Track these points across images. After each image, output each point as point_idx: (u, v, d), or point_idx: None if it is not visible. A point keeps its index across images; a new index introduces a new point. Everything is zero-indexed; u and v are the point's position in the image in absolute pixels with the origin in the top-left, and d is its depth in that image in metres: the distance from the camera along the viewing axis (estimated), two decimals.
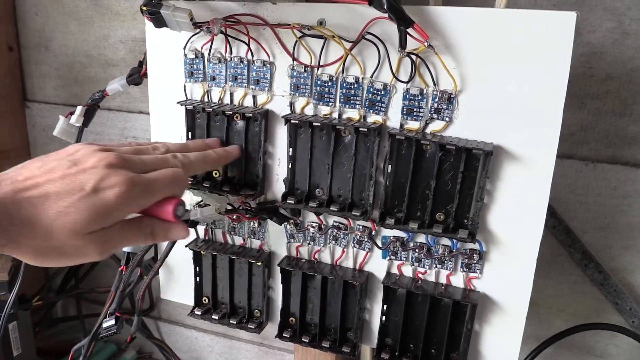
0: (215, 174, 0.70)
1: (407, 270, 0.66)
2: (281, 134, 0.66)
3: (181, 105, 0.68)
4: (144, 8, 0.63)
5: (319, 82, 0.63)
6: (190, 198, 0.74)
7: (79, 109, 0.79)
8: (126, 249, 0.77)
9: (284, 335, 0.71)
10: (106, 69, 1.00)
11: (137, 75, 0.78)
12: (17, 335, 0.93)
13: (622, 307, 0.78)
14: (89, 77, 1.02)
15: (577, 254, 0.78)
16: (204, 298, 0.77)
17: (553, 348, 0.80)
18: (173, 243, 0.72)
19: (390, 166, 0.61)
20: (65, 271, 1.08)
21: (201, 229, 0.75)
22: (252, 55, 0.65)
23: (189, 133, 0.70)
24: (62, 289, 1.08)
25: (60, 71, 1.05)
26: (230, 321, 0.74)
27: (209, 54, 0.68)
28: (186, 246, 0.74)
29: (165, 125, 0.73)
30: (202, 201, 0.73)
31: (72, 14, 1.00)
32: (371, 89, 0.61)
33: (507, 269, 0.62)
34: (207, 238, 0.75)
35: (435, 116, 0.60)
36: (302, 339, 0.71)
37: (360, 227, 0.66)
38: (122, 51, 0.98)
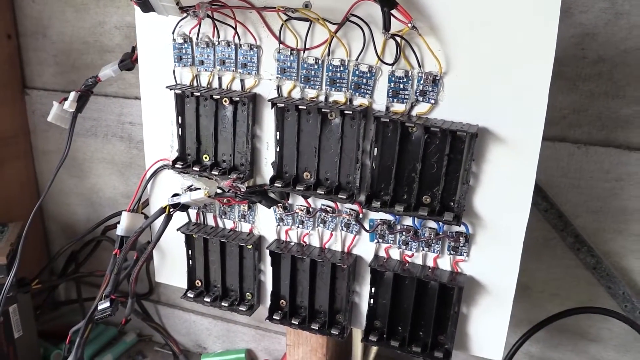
0: (206, 157, 0.71)
1: (395, 253, 0.66)
2: (269, 117, 0.66)
3: (170, 89, 0.69)
4: None
5: (305, 65, 0.63)
6: (181, 182, 0.75)
7: (72, 95, 0.79)
8: (119, 232, 0.78)
9: (274, 317, 0.72)
10: (102, 55, 1.00)
11: (129, 61, 0.78)
12: (17, 317, 0.95)
13: (614, 291, 0.78)
14: (86, 64, 1.03)
15: (569, 238, 0.77)
16: (197, 281, 0.77)
17: (546, 331, 0.80)
18: (165, 226, 0.73)
19: (376, 149, 0.61)
20: (67, 255, 1.10)
21: (193, 212, 0.76)
22: (239, 39, 0.65)
23: (179, 117, 0.70)
24: (63, 272, 1.10)
25: (58, 58, 1.05)
26: (222, 304, 0.75)
27: (197, 38, 0.68)
28: (178, 229, 0.74)
29: (156, 110, 0.73)
30: (192, 185, 0.74)
31: (69, 1, 1.00)
32: (357, 72, 0.61)
33: (494, 252, 0.62)
34: (198, 222, 0.76)
35: (420, 98, 0.60)
36: (292, 322, 0.71)
37: (348, 210, 0.66)
38: (118, 37, 0.98)
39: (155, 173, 0.77)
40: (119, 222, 0.98)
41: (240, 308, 0.74)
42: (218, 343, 1.09)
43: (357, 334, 0.81)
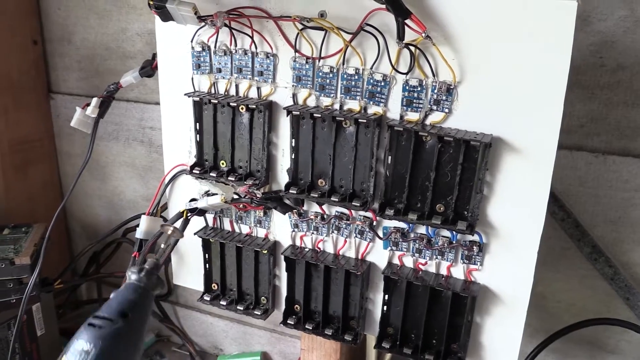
0: (223, 163, 0.72)
1: (408, 261, 0.66)
2: (284, 125, 0.67)
3: (188, 96, 0.70)
4: (151, 2, 0.65)
5: (320, 73, 0.64)
6: (198, 187, 0.76)
7: (94, 101, 0.82)
8: (138, 235, 0.80)
9: (288, 322, 0.73)
10: (124, 61, 1.03)
11: (150, 68, 0.80)
12: (40, 316, 0.98)
13: (633, 303, 0.77)
14: (109, 69, 1.05)
15: (586, 248, 0.77)
16: (213, 284, 0.79)
17: (562, 342, 0.79)
18: (182, 231, 0.74)
19: (390, 157, 0.61)
20: (89, 256, 1.12)
21: (210, 217, 0.77)
22: (256, 48, 0.66)
23: (197, 124, 0.71)
24: (85, 272, 1.13)
25: (82, 63, 1.08)
26: (238, 307, 0.76)
27: (215, 46, 0.69)
28: (195, 233, 0.76)
29: (175, 116, 0.75)
30: (209, 190, 0.75)
31: (92, 8, 1.03)
32: (371, 80, 0.61)
33: (508, 261, 0.62)
34: (215, 226, 0.77)
35: (434, 107, 0.60)
36: (306, 326, 0.72)
37: (362, 217, 0.67)
38: (139, 44, 1.01)
39: (173, 178, 0.78)
40: (139, 225, 1.01)
41: (255, 312, 0.75)
42: (234, 345, 1.11)
43: (371, 340, 0.82)
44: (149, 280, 0.48)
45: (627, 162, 0.73)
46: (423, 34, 0.56)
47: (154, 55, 0.81)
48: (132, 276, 0.48)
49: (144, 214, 0.81)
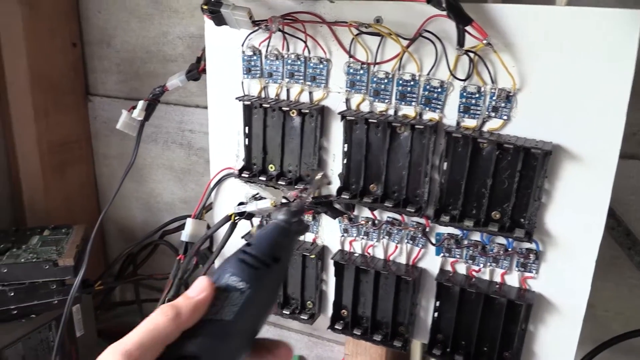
0: (272, 167, 0.72)
1: (461, 268, 0.66)
2: (336, 130, 0.67)
3: (239, 100, 0.70)
4: (205, 7, 0.65)
5: (375, 79, 0.64)
6: (245, 191, 0.76)
7: (140, 104, 0.82)
8: (183, 238, 0.80)
9: (336, 327, 0.73)
10: (165, 65, 1.03)
11: (196, 71, 0.80)
12: (80, 317, 0.99)
13: None
14: (149, 72, 1.06)
15: (637, 257, 0.76)
16: None
17: (610, 352, 0.78)
18: (230, 233, 0.75)
19: (446, 164, 0.61)
20: (124, 258, 1.13)
21: (256, 221, 0.77)
22: (309, 52, 0.66)
23: (246, 128, 0.72)
24: (120, 275, 1.13)
25: (121, 66, 1.09)
26: (284, 312, 0.76)
27: (267, 51, 0.69)
28: (242, 237, 0.76)
29: (223, 121, 0.75)
30: (257, 194, 0.75)
31: (133, 12, 1.04)
32: (428, 87, 0.61)
33: (565, 270, 0.61)
34: None
35: (492, 114, 0.59)
36: (354, 332, 0.72)
37: (414, 223, 0.66)
38: (180, 47, 1.01)
39: (219, 181, 0.78)
40: (177, 227, 1.01)
41: (301, 317, 0.75)
42: None
43: (416, 347, 0.81)
44: (298, 223, 0.45)
45: None
46: (484, 41, 0.55)
47: (199, 59, 0.81)
48: (279, 216, 0.45)
49: (188, 216, 0.82)
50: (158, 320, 0.38)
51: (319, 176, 0.52)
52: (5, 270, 0.88)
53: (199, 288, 0.40)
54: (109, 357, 0.36)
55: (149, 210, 1.17)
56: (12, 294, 0.89)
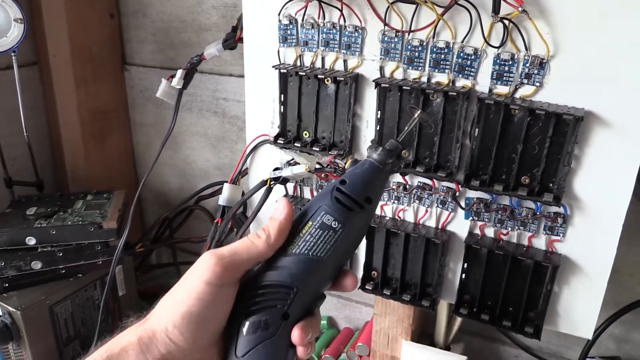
0: (306, 134, 0.74)
1: (489, 232, 0.68)
2: (370, 97, 0.69)
3: (275, 69, 0.72)
4: None
5: (409, 46, 0.65)
6: (279, 157, 0.79)
7: (179, 72, 0.85)
8: (221, 202, 0.84)
9: (366, 287, 0.76)
10: (199, 34, 1.06)
11: (232, 40, 0.83)
12: (122, 277, 1.04)
13: None
14: (183, 42, 1.08)
15: None
16: None
17: (633, 314, 0.80)
18: (265, 198, 0.78)
19: (477, 130, 0.63)
20: (160, 223, 1.18)
21: (290, 186, 0.80)
22: (345, 21, 0.68)
23: (282, 95, 0.74)
24: (156, 238, 1.18)
25: (156, 36, 1.12)
26: None
27: (303, 19, 0.71)
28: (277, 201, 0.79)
29: (259, 89, 0.77)
30: (292, 160, 0.78)
31: None
32: (461, 54, 0.63)
33: (591, 234, 0.63)
34: (295, 195, 0.81)
35: (525, 81, 0.61)
36: (384, 292, 0.75)
37: (445, 188, 0.69)
38: (215, 16, 1.03)
39: (255, 148, 0.81)
40: (212, 193, 1.05)
41: None
42: None
43: (443, 307, 0.84)
44: (393, 164, 0.45)
45: None
46: (520, 8, 0.56)
47: (234, 28, 0.83)
48: (374, 156, 0.45)
49: (224, 182, 0.85)
50: (252, 239, 0.44)
51: (417, 113, 0.50)
52: (53, 232, 0.93)
53: (281, 210, 0.44)
54: (205, 257, 0.42)
55: (183, 177, 1.21)
56: (61, 254, 0.94)
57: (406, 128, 0.50)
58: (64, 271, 0.95)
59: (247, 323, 0.42)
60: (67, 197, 1.07)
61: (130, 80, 1.20)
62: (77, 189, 1.16)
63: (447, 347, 0.89)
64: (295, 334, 0.43)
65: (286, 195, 0.81)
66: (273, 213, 0.45)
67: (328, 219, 0.43)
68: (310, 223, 0.43)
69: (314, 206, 0.44)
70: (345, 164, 0.72)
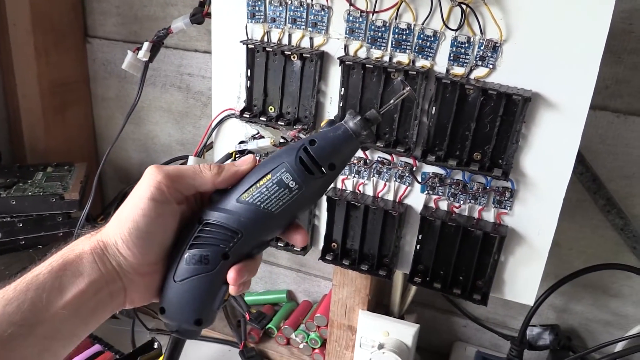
0: (271, 109, 0.77)
1: (443, 205, 0.73)
2: (334, 74, 0.72)
3: (243, 44, 0.74)
4: None
5: (373, 27, 0.68)
6: (244, 131, 0.81)
7: (146, 45, 0.86)
8: None
9: (326, 257, 0.80)
10: (165, 8, 1.06)
11: (200, 15, 0.84)
12: None
13: (639, 251, 0.84)
14: (148, 16, 1.08)
15: (601, 200, 0.83)
16: None
17: (570, 286, 0.87)
18: None
19: (434, 108, 0.67)
20: (121, 196, 1.18)
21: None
22: (312, 0, 0.71)
23: (249, 71, 0.76)
24: (115, 210, 1.18)
25: (120, 9, 1.11)
26: (278, 244, 0.83)
27: None
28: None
29: (226, 63, 0.79)
30: (258, 133, 0.80)
31: None
32: (422, 35, 0.66)
33: (535, 207, 0.68)
34: None
35: (480, 63, 0.65)
36: (343, 262, 0.79)
37: (403, 162, 0.73)
38: None
39: (221, 122, 0.83)
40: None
41: (294, 248, 0.82)
42: (260, 284, 1.18)
43: (398, 278, 0.89)
44: (366, 134, 0.45)
45: None
46: None
47: (202, 3, 0.84)
48: (350, 123, 0.45)
49: (187, 156, 0.87)
50: (202, 168, 0.46)
51: (406, 90, 0.49)
52: (13, 203, 0.93)
53: (244, 161, 0.47)
54: (150, 172, 0.45)
55: (145, 152, 1.21)
56: (21, 225, 0.94)
57: (391, 101, 0.50)
58: (23, 242, 0.95)
59: (188, 253, 0.45)
60: (26, 168, 1.06)
61: (92, 53, 1.18)
62: (36, 162, 1.14)
63: (401, 317, 0.94)
64: (231, 275, 0.45)
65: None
66: (236, 162, 0.47)
67: (287, 177, 0.43)
68: (269, 176, 0.44)
69: (277, 159, 0.44)
70: None
